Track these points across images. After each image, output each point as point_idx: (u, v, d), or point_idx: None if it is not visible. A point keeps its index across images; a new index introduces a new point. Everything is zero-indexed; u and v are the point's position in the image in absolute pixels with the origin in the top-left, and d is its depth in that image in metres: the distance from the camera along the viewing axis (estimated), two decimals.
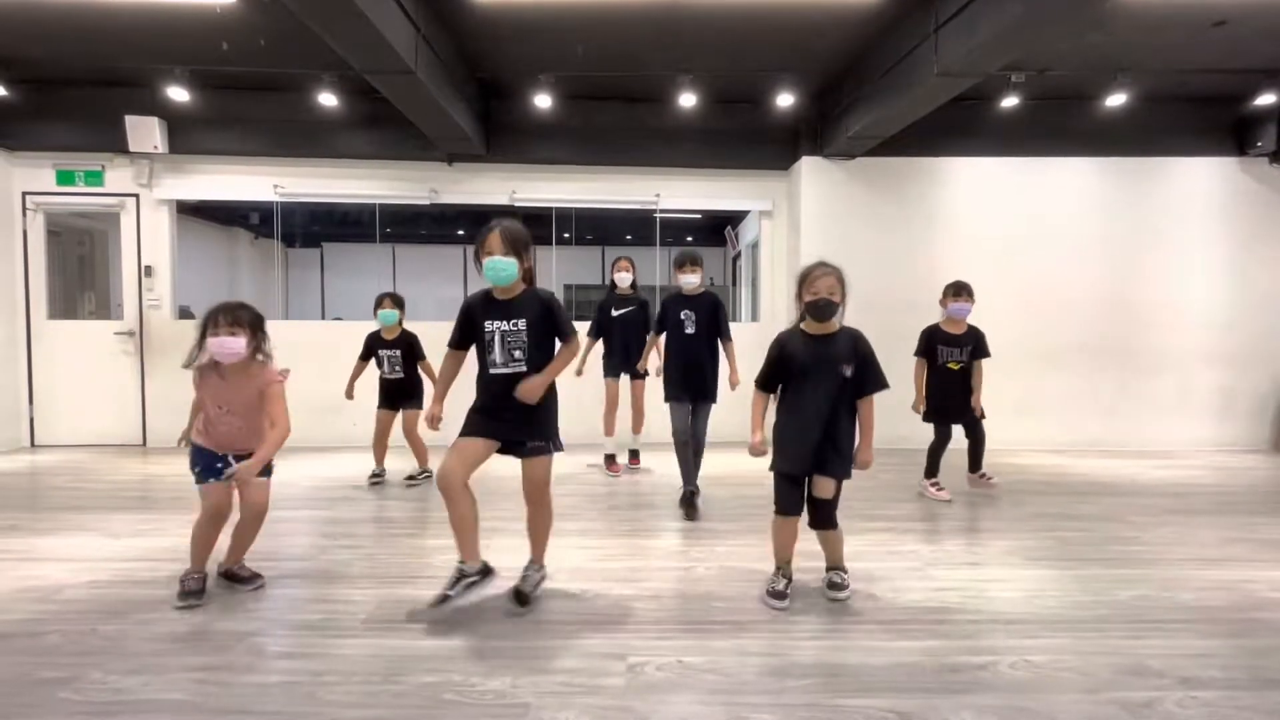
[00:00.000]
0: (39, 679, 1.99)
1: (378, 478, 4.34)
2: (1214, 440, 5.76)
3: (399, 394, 4.31)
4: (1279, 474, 4.87)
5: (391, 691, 1.93)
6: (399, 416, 4.36)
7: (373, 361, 4.33)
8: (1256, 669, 2.09)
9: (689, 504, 3.71)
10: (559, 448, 2.52)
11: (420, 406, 4.34)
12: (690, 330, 3.73)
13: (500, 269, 2.35)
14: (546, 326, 2.43)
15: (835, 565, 2.64)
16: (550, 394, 2.46)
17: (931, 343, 4.02)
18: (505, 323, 2.39)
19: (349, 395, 4.29)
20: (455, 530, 2.45)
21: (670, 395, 3.76)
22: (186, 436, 2.61)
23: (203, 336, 2.46)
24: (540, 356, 2.42)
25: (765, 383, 2.59)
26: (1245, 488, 4.46)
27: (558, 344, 2.47)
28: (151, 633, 2.28)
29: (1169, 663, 2.11)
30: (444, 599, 2.41)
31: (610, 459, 4.76)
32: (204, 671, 2.03)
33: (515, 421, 2.41)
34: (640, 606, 2.51)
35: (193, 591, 2.50)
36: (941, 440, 4.05)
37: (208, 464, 2.55)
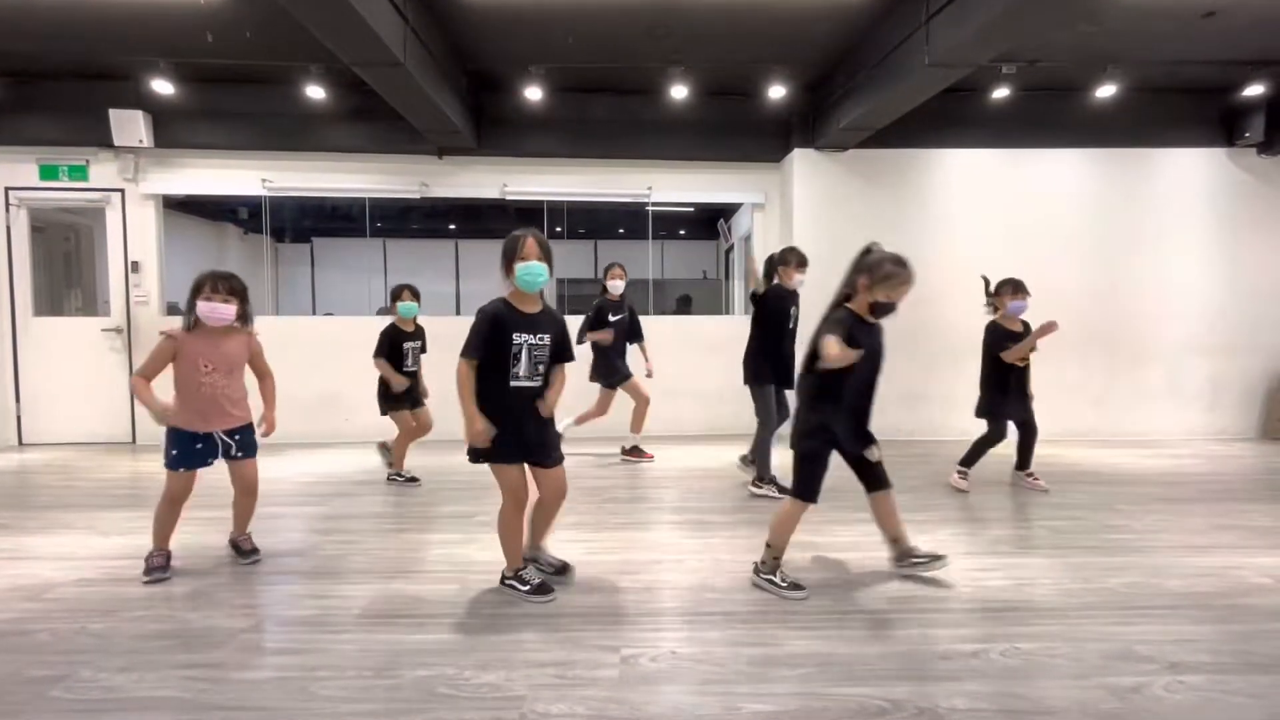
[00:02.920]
0: (29, 678, 1.97)
1: (414, 480, 4.22)
2: (1203, 429, 5.81)
3: (414, 389, 4.18)
4: (1267, 462, 4.92)
5: (385, 686, 1.93)
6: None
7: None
8: (1243, 653, 2.11)
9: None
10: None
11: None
12: (791, 326, 3.86)
13: (539, 274, 2.40)
14: (561, 345, 2.50)
15: (898, 536, 2.69)
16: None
17: (1004, 342, 3.89)
18: (533, 336, 2.42)
19: (401, 387, 4.07)
20: (515, 542, 2.55)
21: (769, 382, 3.83)
22: (166, 411, 2.64)
23: (193, 300, 2.63)
24: (550, 373, 2.49)
25: None
26: (1234, 475, 4.51)
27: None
28: (142, 630, 2.26)
29: (1157, 648, 2.13)
30: (548, 589, 2.51)
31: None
32: (196, 668, 2.02)
33: (536, 438, 2.47)
34: (633, 599, 2.52)
35: (159, 567, 2.70)
36: (995, 438, 3.96)
37: (186, 449, 2.68)
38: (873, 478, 2.64)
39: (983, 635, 2.22)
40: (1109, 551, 3.00)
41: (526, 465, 2.50)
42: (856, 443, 2.56)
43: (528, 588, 2.49)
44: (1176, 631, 2.25)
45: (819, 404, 2.50)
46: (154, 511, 2.76)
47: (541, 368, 2.44)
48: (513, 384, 2.40)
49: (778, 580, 2.55)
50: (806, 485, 2.53)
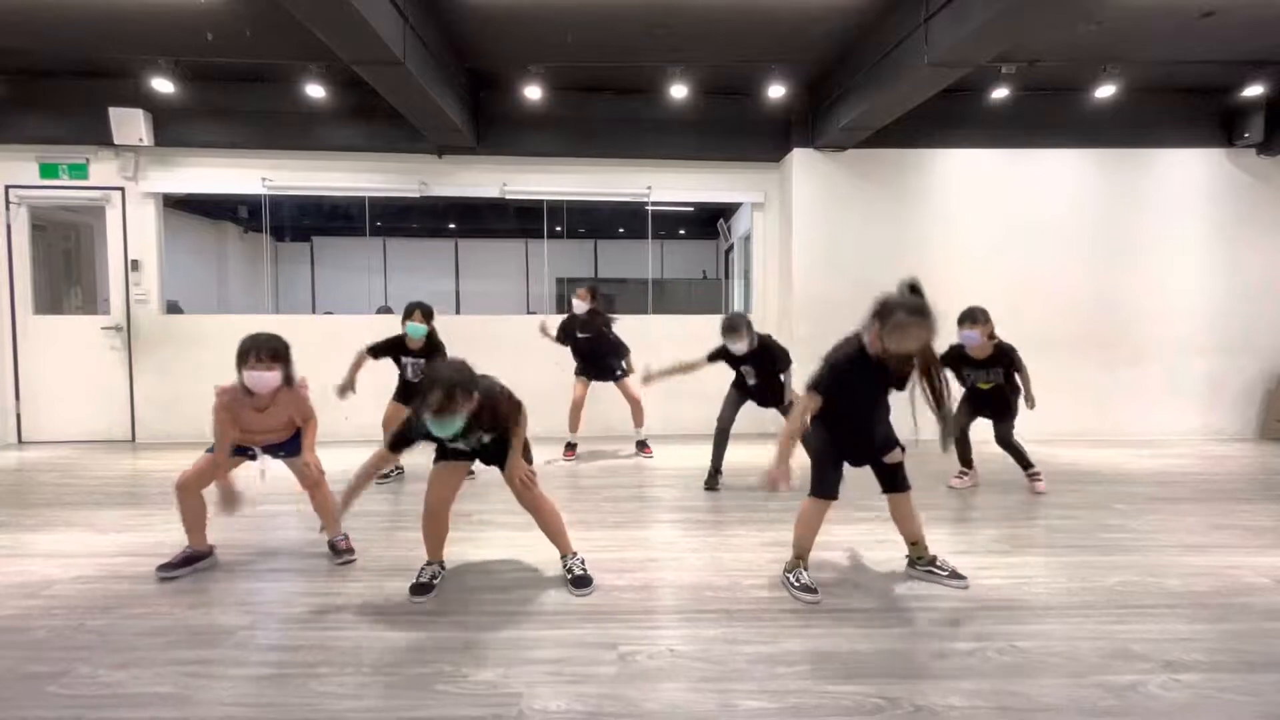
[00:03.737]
0: (27, 673, 1.98)
1: (399, 471, 4.30)
2: (1201, 429, 5.81)
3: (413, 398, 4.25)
4: (1265, 462, 4.93)
5: (383, 682, 1.93)
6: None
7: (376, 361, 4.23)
8: (1239, 652, 2.12)
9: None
10: (531, 459, 2.62)
11: None
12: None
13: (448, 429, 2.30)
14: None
15: (918, 540, 2.67)
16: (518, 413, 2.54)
17: (957, 363, 3.89)
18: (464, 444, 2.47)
19: (346, 391, 4.05)
20: (437, 540, 2.64)
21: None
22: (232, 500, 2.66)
23: (240, 368, 2.65)
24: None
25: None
26: (1231, 475, 4.51)
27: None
28: (140, 627, 2.27)
29: (1153, 647, 2.14)
30: (427, 589, 2.52)
31: (569, 446, 4.96)
32: (194, 665, 2.03)
33: (498, 456, 2.52)
34: (631, 597, 2.52)
35: (171, 564, 2.72)
36: (962, 423, 3.99)
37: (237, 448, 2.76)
38: (889, 479, 2.60)
39: (980, 633, 2.23)
40: (1106, 551, 3.01)
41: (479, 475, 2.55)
42: (869, 458, 2.56)
43: (412, 581, 2.57)
44: (1173, 630, 2.26)
45: (825, 428, 2.53)
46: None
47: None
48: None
49: (792, 580, 2.55)
50: (823, 483, 2.54)
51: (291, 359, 2.74)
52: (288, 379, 2.72)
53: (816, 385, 2.41)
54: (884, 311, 2.26)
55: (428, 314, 4.12)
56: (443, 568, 2.65)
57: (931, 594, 2.55)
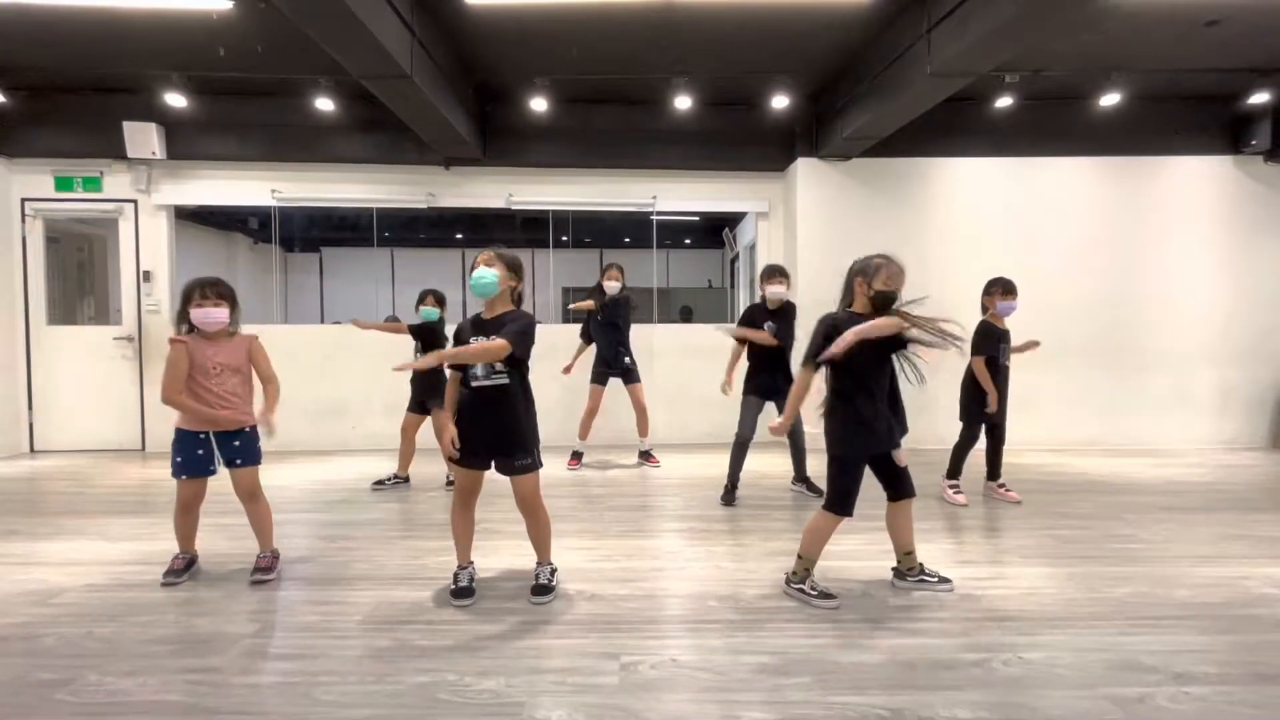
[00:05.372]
0: (36, 681, 2.00)
1: (400, 480, 4.32)
2: (1212, 438, 5.76)
3: (431, 390, 4.16)
4: (1276, 471, 4.87)
5: (386, 691, 1.94)
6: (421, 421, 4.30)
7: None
8: (1250, 664, 2.09)
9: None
10: (540, 463, 2.60)
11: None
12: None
13: (480, 278, 2.47)
14: (521, 341, 2.44)
15: (911, 549, 2.68)
16: (529, 410, 2.56)
17: (996, 344, 3.80)
18: (486, 338, 2.45)
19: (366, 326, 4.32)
20: (467, 537, 2.68)
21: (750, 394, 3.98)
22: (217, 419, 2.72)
23: (185, 308, 2.70)
24: (515, 372, 2.51)
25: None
26: (1242, 485, 4.46)
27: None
28: (148, 635, 2.29)
29: (1163, 658, 2.12)
30: (469, 592, 2.58)
31: (576, 455, 4.97)
32: (200, 673, 2.04)
33: (499, 438, 2.51)
34: (634, 606, 2.52)
35: (174, 570, 2.78)
36: (970, 442, 3.93)
37: (189, 456, 2.73)
38: (899, 484, 2.60)
39: (986, 644, 2.21)
40: (1115, 561, 2.98)
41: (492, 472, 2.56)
42: (888, 440, 2.52)
43: (453, 587, 2.60)
44: (1182, 642, 2.23)
45: (850, 404, 2.49)
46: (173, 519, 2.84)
47: (500, 365, 2.45)
48: (472, 384, 2.48)
49: (808, 589, 2.55)
50: (841, 498, 2.51)
51: (238, 305, 2.77)
52: (232, 321, 2.75)
53: (812, 355, 2.48)
54: (865, 269, 2.54)
55: (440, 299, 4.19)
56: (473, 566, 2.68)
57: (938, 604, 2.53)
